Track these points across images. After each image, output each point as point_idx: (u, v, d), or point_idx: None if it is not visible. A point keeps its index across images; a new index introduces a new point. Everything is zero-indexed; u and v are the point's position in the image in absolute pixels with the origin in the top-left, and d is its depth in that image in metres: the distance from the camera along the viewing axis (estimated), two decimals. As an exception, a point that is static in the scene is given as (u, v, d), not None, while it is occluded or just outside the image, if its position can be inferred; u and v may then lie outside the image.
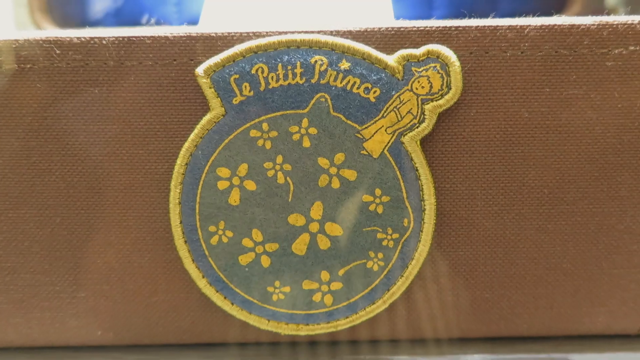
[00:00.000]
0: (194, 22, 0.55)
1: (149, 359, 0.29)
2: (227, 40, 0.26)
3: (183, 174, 0.26)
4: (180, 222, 0.27)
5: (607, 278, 0.28)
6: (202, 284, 0.28)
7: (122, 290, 0.28)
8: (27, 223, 0.28)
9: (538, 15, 0.56)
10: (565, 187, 0.27)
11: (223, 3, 0.33)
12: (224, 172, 0.26)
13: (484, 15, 0.56)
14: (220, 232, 0.27)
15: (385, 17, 0.32)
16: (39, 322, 0.29)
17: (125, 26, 0.55)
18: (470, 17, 0.56)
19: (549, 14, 0.56)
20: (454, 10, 0.55)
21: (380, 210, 0.26)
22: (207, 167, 0.26)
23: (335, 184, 0.26)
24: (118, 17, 0.55)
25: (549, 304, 0.29)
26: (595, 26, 0.26)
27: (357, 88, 0.25)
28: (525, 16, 0.56)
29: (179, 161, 0.26)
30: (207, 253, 0.27)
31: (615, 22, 0.26)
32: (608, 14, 0.63)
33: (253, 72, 0.25)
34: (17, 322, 0.29)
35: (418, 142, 0.26)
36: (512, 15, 0.55)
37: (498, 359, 0.28)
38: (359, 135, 0.26)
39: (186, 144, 0.26)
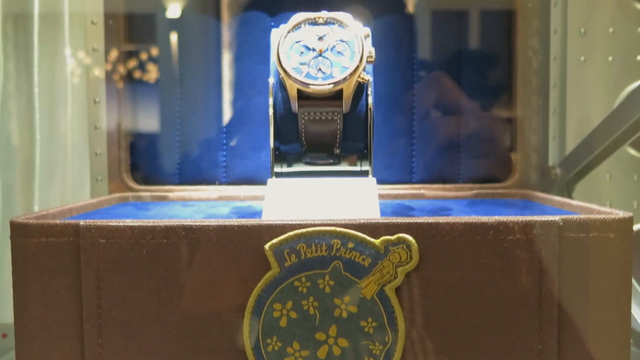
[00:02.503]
0: (237, 181, 0.75)
1: None
2: (283, 228, 0.44)
3: (252, 306, 0.44)
4: (249, 336, 0.44)
5: (514, 376, 0.45)
6: (261, 376, 0.44)
7: (208, 379, 0.45)
8: (153, 336, 0.45)
9: (489, 179, 0.76)
10: (483, 317, 0.45)
11: (278, 196, 0.52)
12: (277, 306, 0.44)
13: (451, 179, 0.76)
14: (273, 343, 0.44)
15: (372, 204, 0.51)
16: (153, 400, 0.46)
17: (187, 184, 0.74)
18: (439, 181, 0.76)
19: (497, 179, 0.76)
20: (428, 174, 0.74)
21: (371, 331, 0.44)
22: (267, 303, 0.44)
23: (344, 314, 0.44)
24: (181, 177, 0.74)
25: (478, 393, 0.45)
26: (496, 223, 0.45)
27: (357, 258, 0.44)
28: (479, 181, 0.75)
29: (250, 299, 0.44)
30: (264, 357, 0.44)
31: (507, 221, 0.45)
32: (549, 172, 0.82)
33: (297, 248, 0.44)
34: (139, 400, 0.46)
35: (393, 290, 0.44)
36: (471, 178, 0.75)
37: None
38: (358, 286, 0.44)
39: (255, 289, 0.44)
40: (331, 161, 0.55)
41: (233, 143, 0.74)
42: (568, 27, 0.86)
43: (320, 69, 0.52)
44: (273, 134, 0.54)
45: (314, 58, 0.52)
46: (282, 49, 0.52)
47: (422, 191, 0.73)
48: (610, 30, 0.86)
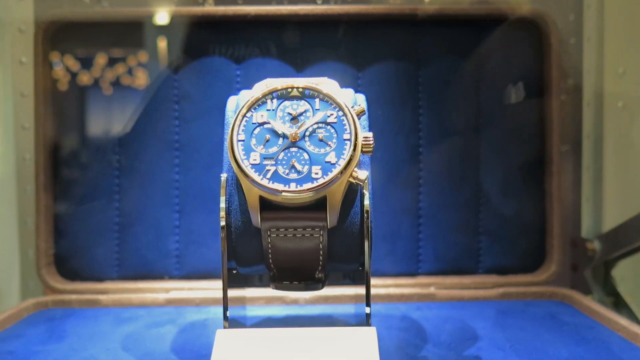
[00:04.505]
0: (192, 275, 0.58)
1: None
2: None
3: None
4: None
5: None
6: None
7: None
8: None
9: (516, 268, 0.60)
10: None
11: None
12: None
13: (468, 269, 0.60)
14: None
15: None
16: None
17: (127, 278, 0.58)
18: (454, 273, 0.60)
19: (529, 268, 0.60)
20: (439, 264, 0.58)
21: None
22: None
23: None
24: (121, 270, 0.58)
25: None
26: None
27: None
28: (504, 271, 0.59)
29: None
30: None
31: None
32: (583, 245, 0.66)
33: None
34: None
35: None
36: (494, 268, 0.59)
37: None
38: None
39: None
40: (310, 288, 0.39)
41: None
42: (604, 67, 0.70)
43: (293, 167, 0.35)
44: (226, 254, 0.38)
45: (284, 150, 0.36)
46: (237, 136, 0.36)
47: (432, 289, 0.56)
48: (655, 69, 0.70)
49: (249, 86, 0.59)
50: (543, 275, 0.58)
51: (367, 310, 0.39)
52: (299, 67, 0.58)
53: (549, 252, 0.58)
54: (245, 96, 0.40)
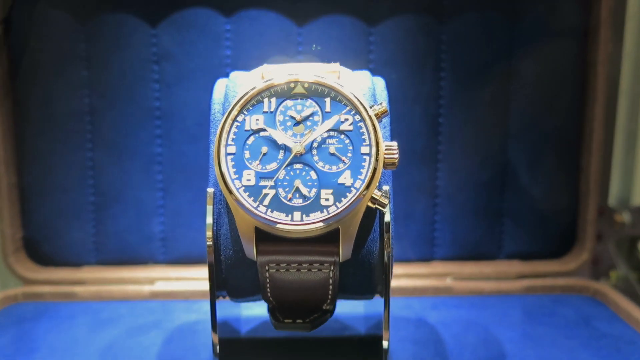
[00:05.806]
0: (180, 260, 0.52)
1: None
2: None
3: None
4: None
5: None
6: None
7: None
8: None
9: (541, 252, 0.54)
10: None
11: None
12: None
13: (489, 254, 0.54)
14: None
15: None
16: None
17: (107, 263, 0.51)
18: (472, 258, 0.54)
19: (555, 254, 0.54)
20: (456, 249, 0.52)
21: None
22: None
23: None
24: (99, 254, 0.51)
25: None
26: None
27: None
28: (527, 256, 0.53)
29: None
30: None
31: None
32: (610, 215, 0.59)
33: None
34: None
35: None
36: (517, 253, 0.53)
37: None
38: None
39: None
40: (318, 325, 0.32)
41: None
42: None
43: (297, 190, 0.28)
44: (214, 286, 0.31)
45: (286, 167, 0.28)
46: (225, 147, 0.28)
47: (448, 281, 0.50)
48: None
49: (240, 44, 0.50)
50: (572, 264, 0.51)
51: (385, 344, 0.32)
52: (300, 21, 0.49)
53: (581, 239, 0.52)
54: (238, 82, 0.31)
